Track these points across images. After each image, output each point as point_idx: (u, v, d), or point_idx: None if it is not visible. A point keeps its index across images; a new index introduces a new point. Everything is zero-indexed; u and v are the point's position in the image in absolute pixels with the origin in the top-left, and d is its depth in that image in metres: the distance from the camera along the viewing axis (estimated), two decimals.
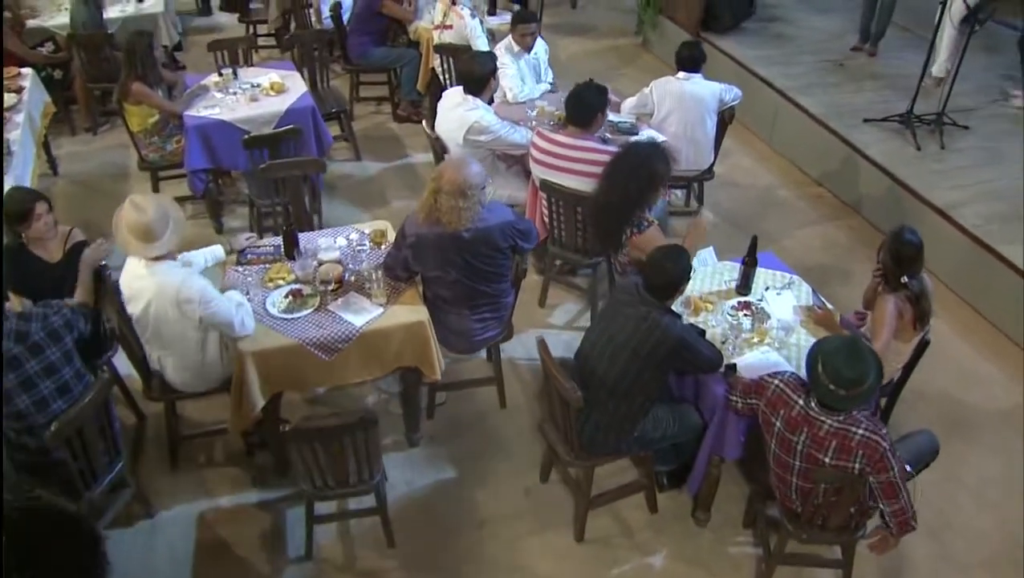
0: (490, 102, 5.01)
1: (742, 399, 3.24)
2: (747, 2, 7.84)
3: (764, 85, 6.85)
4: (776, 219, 5.93)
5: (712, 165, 5.43)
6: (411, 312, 3.71)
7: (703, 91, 5.14)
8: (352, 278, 3.85)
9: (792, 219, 5.97)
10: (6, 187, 4.22)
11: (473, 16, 6.20)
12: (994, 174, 5.72)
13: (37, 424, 3.15)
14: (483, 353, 4.35)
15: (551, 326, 4.92)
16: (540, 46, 5.81)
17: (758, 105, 6.81)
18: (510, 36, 5.60)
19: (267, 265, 3.95)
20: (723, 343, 3.55)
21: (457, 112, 4.78)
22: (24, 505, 1.59)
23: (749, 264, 3.81)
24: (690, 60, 5.12)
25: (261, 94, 5.60)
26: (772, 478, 3.26)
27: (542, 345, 3.44)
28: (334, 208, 5.80)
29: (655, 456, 3.71)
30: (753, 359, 3.47)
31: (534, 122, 5.15)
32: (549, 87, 5.63)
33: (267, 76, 5.84)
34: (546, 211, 4.63)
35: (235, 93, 5.61)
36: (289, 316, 3.64)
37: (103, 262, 3.86)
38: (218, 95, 5.59)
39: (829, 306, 3.83)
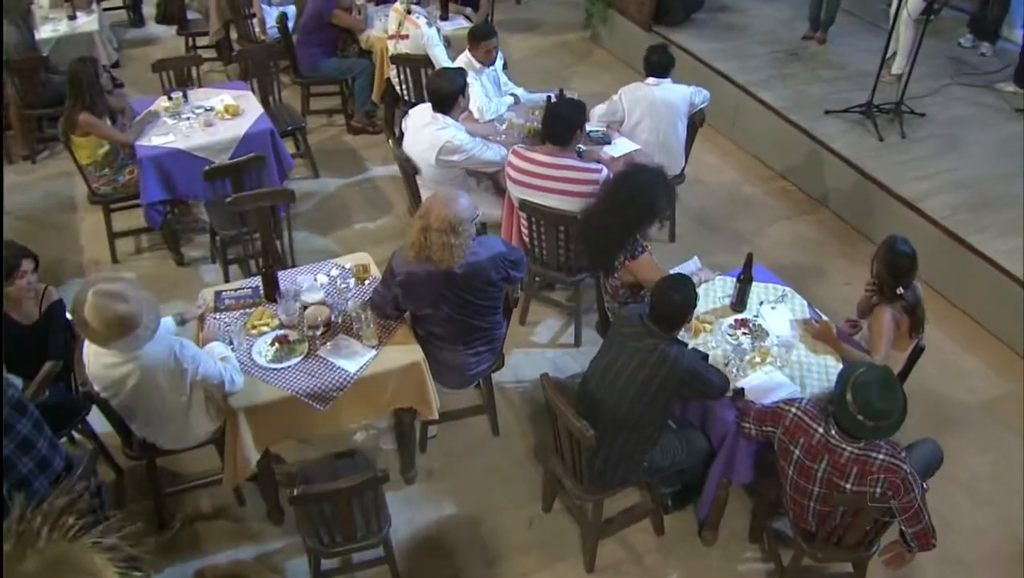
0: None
1: (756, 427, 3.20)
2: None
3: (723, 80, 6.82)
4: (746, 217, 5.94)
5: (683, 169, 5.38)
6: (406, 353, 3.58)
7: (674, 96, 5.06)
8: (340, 320, 3.70)
9: (761, 216, 5.98)
10: None
11: (429, 25, 6.02)
12: (956, 162, 5.81)
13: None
14: None
15: (535, 345, 4.84)
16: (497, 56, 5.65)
17: (718, 100, 6.74)
18: (468, 53, 5.38)
19: (248, 310, 3.76)
20: (726, 365, 3.51)
21: (427, 132, 4.62)
22: None
23: (744, 281, 3.77)
24: (659, 65, 5.01)
25: (216, 118, 5.34)
26: (787, 501, 3.25)
27: (547, 381, 3.35)
28: (298, 231, 5.58)
29: (660, 479, 3.67)
30: (759, 381, 3.45)
31: (503, 136, 5.03)
32: (512, 100, 5.47)
33: (219, 97, 5.57)
34: (525, 229, 4.53)
35: (188, 118, 5.32)
36: (278, 365, 3.48)
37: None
38: (170, 121, 5.31)
39: (824, 317, 3.82)
